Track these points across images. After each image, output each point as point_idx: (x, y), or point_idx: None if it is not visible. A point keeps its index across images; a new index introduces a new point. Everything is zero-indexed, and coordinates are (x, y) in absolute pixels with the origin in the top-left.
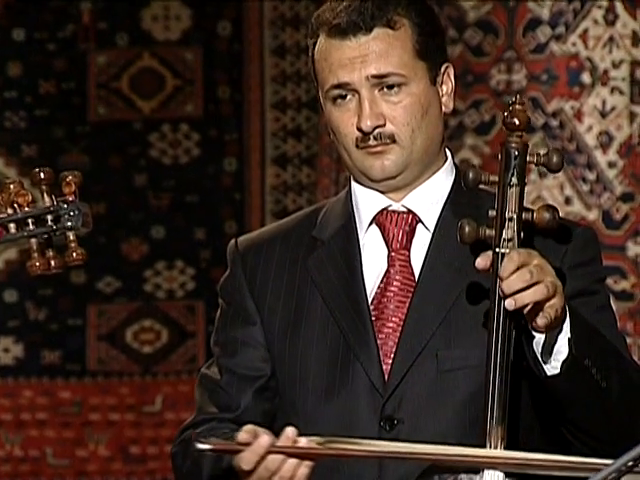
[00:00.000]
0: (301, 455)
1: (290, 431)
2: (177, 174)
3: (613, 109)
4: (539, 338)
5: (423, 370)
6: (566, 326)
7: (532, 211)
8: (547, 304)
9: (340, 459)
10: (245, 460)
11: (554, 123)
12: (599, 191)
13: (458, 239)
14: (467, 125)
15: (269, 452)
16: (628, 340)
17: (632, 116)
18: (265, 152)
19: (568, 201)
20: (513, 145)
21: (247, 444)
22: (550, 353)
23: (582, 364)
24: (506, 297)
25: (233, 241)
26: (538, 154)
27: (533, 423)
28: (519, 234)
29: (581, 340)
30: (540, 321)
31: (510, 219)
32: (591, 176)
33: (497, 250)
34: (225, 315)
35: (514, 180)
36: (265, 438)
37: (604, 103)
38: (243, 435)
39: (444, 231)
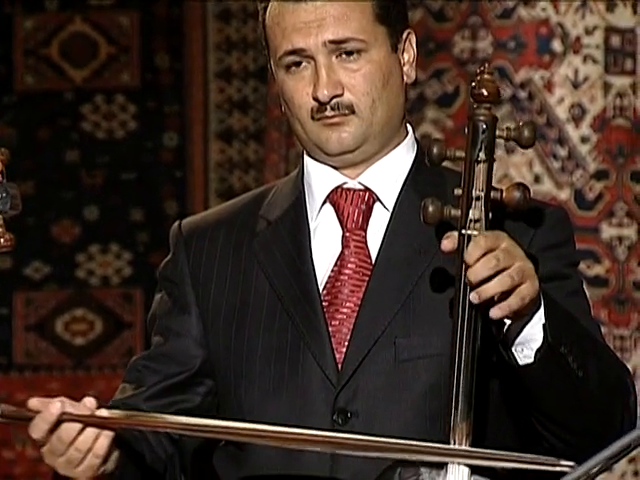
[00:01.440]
0: (100, 425)
1: (88, 400)
2: (112, 149)
3: (586, 79)
4: (510, 325)
5: (379, 359)
6: (540, 312)
7: (501, 190)
8: (515, 292)
9: (292, 451)
10: (35, 428)
11: (522, 94)
12: (571, 168)
13: (421, 219)
14: (428, 97)
15: (63, 421)
16: (602, 329)
17: (606, 87)
18: (208, 126)
19: (537, 179)
20: (481, 118)
21: (38, 411)
22: (523, 341)
23: (558, 352)
24: (472, 286)
25: (177, 223)
26: (508, 128)
27: (502, 416)
28: (487, 214)
29: (557, 327)
30: (494, 312)
31: (477, 198)
32: (562, 152)
33: (463, 231)
34: (162, 303)
35: (482, 156)
36: (56, 405)
37: (576, 73)
38: (33, 401)
39: (404, 211)
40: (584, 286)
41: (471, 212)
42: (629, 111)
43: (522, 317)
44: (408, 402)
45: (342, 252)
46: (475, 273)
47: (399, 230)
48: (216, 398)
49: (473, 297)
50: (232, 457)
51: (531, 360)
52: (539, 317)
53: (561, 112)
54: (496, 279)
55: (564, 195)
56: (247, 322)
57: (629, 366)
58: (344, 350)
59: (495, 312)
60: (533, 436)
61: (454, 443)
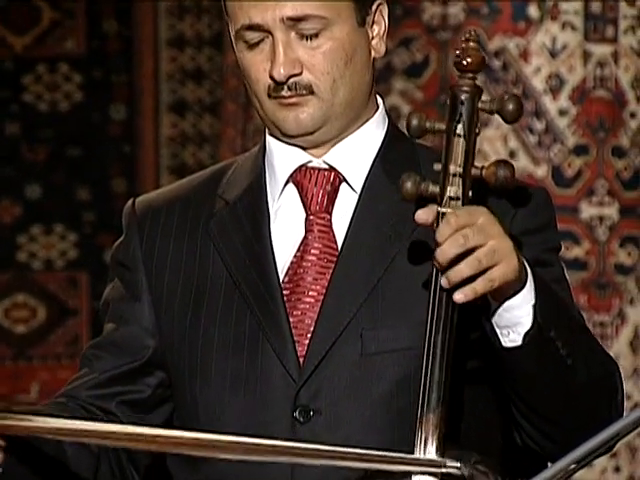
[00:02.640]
0: None
1: None
2: (55, 122)
3: (564, 48)
4: (496, 308)
5: (345, 353)
6: (529, 292)
7: (482, 167)
8: (484, 275)
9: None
10: None
11: (496, 64)
12: (548, 143)
13: (399, 195)
14: (396, 66)
15: None
16: (581, 312)
17: (586, 56)
18: (159, 97)
19: (512, 154)
20: (463, 89)
21: None
22: (510, 324)
23: (547, 335)
24: (441, 269)
25: (130, 202)
26: (492, 100)
27: (483, 412)
28: (466, 193)
29: (547, 309)
30: (456, 296)
31: (455, 174)
32: (539, 126)
33: (439, 209)
34: (115, 288)
35: (461, 129)
36: None
37: (554, 41)
38: None
39: (373, 192)
40: (565, 271)
41: (449, 189)
42: (610, 82)
43: (503, 299)
44: (375, 399)
45: (305, 237)
46: (442, 253)
47: (367, 213)
48: (168, 391)
49: (443, 281)
50: (187, 460)
51: (518, 343)
52: (526, 298)
53: (538, 83)
54: (464, 261)
55: (541, 172)
56: (203, 311)
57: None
58: (306, 343)
59: (457, 296)
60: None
61: (420, 436)
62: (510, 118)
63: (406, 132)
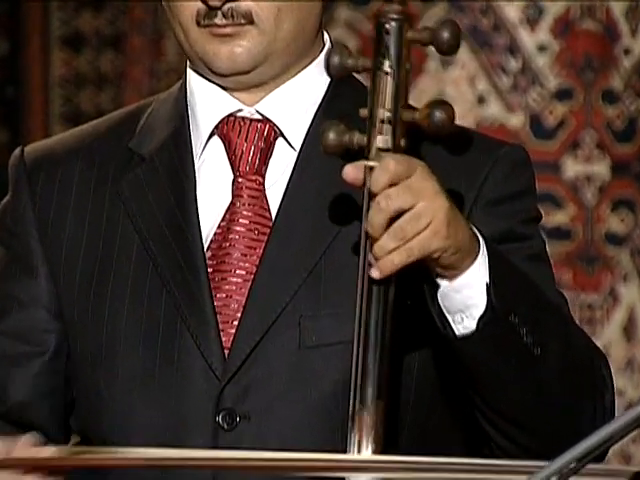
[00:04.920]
0: (41, 467)
1: (28, 438)
2: None
3: None
4: (445, 287)
5: (279, 345)
6: (481, 267)
7: (415, 110)
8: (407, 242)
9: (168, 471)
10: None
11: None
12: (525, 86)
13: (322, 149)
14: None
15: None
16: (565, 295)
17: None
18: (49, 29)
19: (482, 100)
20: (390, 16)
21: None
22: (462, 307)
23: (506, 321)
24: (374, 242)
25: (18, 151)
26: (424, 29)
27: (436, 412)
28: (397, 142)
29: (506, 287)
30: (373, 272)
31: (383, 120)
32: (514, 64)
33: (366, 162)
34: (1, 261)
35: (388, 65)
36: None
37: None
38: None
39: (315, 149)
40: (546, 246)
41: (378, 138)
42: (600, 12)
43: (451, 276)
44: (314, 401)
45: (232, 203)
46: (369, 222)
47: (308, 175)
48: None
49: (370, 257)
50: (92, 475)
51: (471, 330)
52: (477, 274)
53: (512, 12)
54: (387, 232)
55: (516, 120)
56: (108, 289)
57: (599, 344)
58: (233, 332)
59: (373, 273)
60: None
61: (353, 437)
62: (446, 48)
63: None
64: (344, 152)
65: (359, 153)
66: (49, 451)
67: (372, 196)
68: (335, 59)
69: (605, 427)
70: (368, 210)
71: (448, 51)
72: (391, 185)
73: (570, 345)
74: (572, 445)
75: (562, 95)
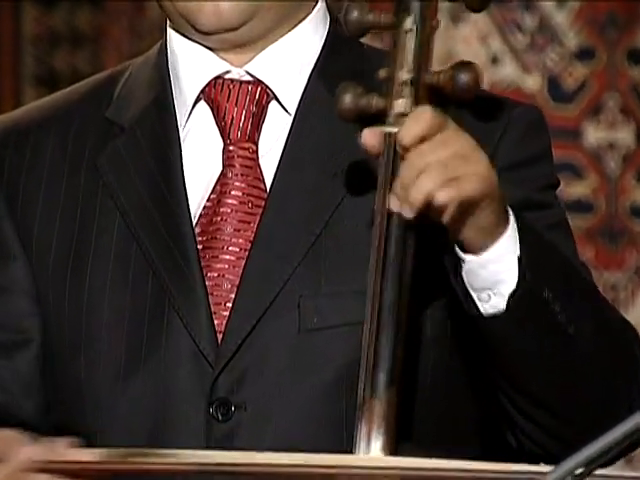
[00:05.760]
0: (82, 474)
1: (65, 441)
2: None
3: None
4: (470, 262)
5: (277, 328)
6: (511, 240)
7: (440, 73)
8: (456, 180)
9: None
10: None
11: None
12: (542, 45)
13: (336, 113)
14: None
15: (29, 470)
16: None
17: None
18: None
19: (495, 60)
20: None
21: None
22: (489, 284)
23: (539, 297)
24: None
25: None
26: None
27: (439, 398)
28: (419, 106)
29: (538, 261)
30: (413, 195)
31: (404, 83)
32: (530, 22)
33: (386, 129)
34: None
35: (411, 23)
36: (24, 450)
37: None
38: None
39: (312, 113)
40: (566, 214)
41: (398, 102)
42: None
43: (477, 249)
44: (317, 389)
45: (223, 173)
46: (402, 182)
47: (305, 142)
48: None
49: (393, 202)
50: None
51: (501, 308)
52: (507, 247)
53: None
54: (429, 168)
55: (532, 83)
56: (87, 271)
57: None
58: (226, 315)
59: (413, 196)
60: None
61: (361, 429)
62: (477, 5)
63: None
64: (359, 117)
65: (376, 119)
66: (92, 454)
67: (398, 153)
68: (354, 15)
69: (616, 428)
70: (385, 180)
71: (479, 7)
72: (421, 141)
73: (604, 322)
74: (606, 429)
75: (583, 55)
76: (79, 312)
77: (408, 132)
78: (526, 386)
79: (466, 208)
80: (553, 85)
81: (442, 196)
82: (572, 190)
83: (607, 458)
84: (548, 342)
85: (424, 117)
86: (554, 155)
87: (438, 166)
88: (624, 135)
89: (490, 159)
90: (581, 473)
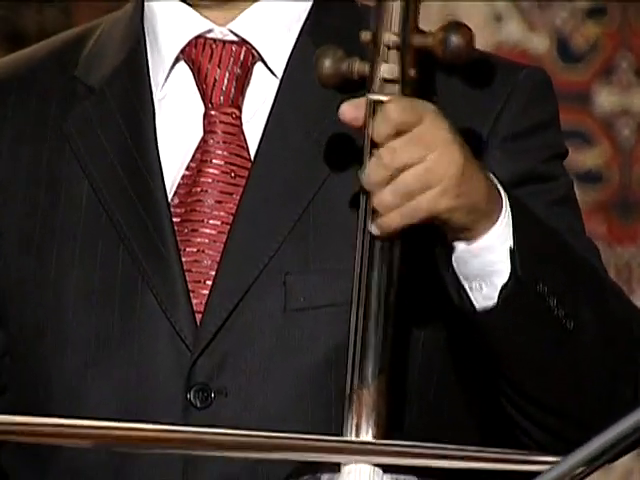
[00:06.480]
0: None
1: None
2: None
3: None
4: (462, 251)
5: (261, 308)
6: (504, 228)
7: (429, 34)
8: (414, 200)
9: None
10: None
11: None
12: (550, 1)
13: (315, 80)
14: None
15: None
16: (596, 246)
17: None
18: None
19: (499, 19)
20: None
21: None
22: (481, 273)
23: (533, 290)
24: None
25: None
26: None
27: (449, 398)
28: (406, 72)
29: (532, 252)
30: (372, 229)
31: (389, 46)
32: None
33: (370, 96)
34: None
35: None
36: None
37: None
38: None
39: (300, 76)
40: (574, 187)
41: (383, 67)
42: None
43: (469, 238)
44: (304, 373)
45: (203, 140)
46: (366, 176)
47: (293, 107)
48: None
49: (371, 225)
50: (30, 458)
51: (493, 302)
52: (500, 235)
53: None
54: (388, 186)
55: (540, 43)
56: (53, 246)
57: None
58: (206, 293)
59: (372, 229)
60: (504, 427)
61: (351, 419)
62: None
63: None
64: (342, 83)
65: (360, 84)
66: None
67: (373, 144)
68: None
69: (620, 422)
70: (371, 153)
71: None
72: (396, 134)
73: (608, 314)
74: (605, 423)
75: (594, 13)
76: (45, 291)
77: (378, 131)
78: (522, 384)
79: (438, 217)
80: (562, 46)
81: (399, 219)
82: (582, 160)
83: (611, 455)
84: (544, 339)
85: (392, 116)
86: (562, 122)
87: (397, 187)
88: (639, 100)
89: (491, 128)
90: (581, 472)
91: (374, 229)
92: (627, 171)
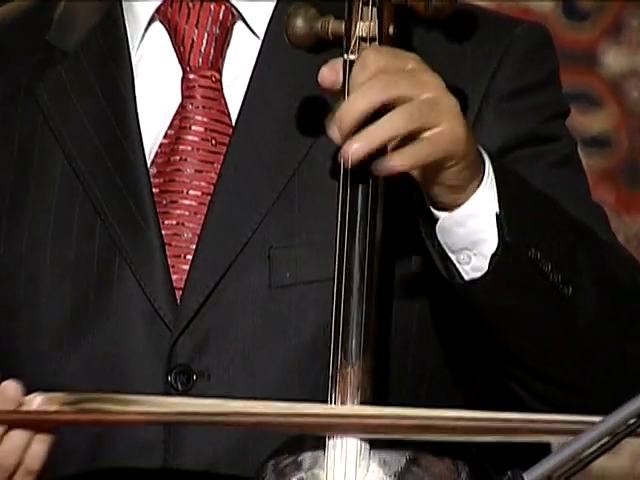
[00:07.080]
0: (32, 424)
1: (11, 387)
2: None
3: None
4: (445, 220)
5: (245, 284)
6: (488, 192)
7: None
8: (429, 133)
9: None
10: None
11: None
12: None
13: (287, 41)
14: None
15: None
16: (603, 209)
17: None
18: None
19: None
20: None
21: None
22: (468, 244)
23: (525, 256)
24: (345, 134)
25: None
26: None
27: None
28: (385, 30)
29: (520, 216)
30: (383, 165)
31: (367, 2)
32: None
33: (346, 56)
34: None
35: None
36: None
37: None
38: None
39: (283, 37)
40: (577, 147)
41: (360, 25)
42: None
43: (452, 204)
44: (290, 352)
45: (182, 106)
46: (348, 107)
47: (276, 69)
48: None
49: (343, 151)
50: None
51: (481, 273)
52: (485, 200)
53: None
54: (389, 113)
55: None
56: (26, 220)
57: None
58: (186, 269)
59: (386, 163)
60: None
61: (335, 398)
62: None
63: None
64: (316, 44)
65: (336, 44)
66: (37, 401)
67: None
68: None
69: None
70: None
71: None
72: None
73: (609, 279)
74: (615, 400)
75: None
76: (16, 267)
77: (356, 77)
78: (521, 357)
79: (430, 168)
80: (567, 2)
81: (397, 163)
82: (588, 124)
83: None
84: (542, 307)
85: (368, 62)
86: (567, 83)
87: (403, 111)
88: None
89: (486, 88)
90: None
91: (388, 163)
92: (636, 136)
